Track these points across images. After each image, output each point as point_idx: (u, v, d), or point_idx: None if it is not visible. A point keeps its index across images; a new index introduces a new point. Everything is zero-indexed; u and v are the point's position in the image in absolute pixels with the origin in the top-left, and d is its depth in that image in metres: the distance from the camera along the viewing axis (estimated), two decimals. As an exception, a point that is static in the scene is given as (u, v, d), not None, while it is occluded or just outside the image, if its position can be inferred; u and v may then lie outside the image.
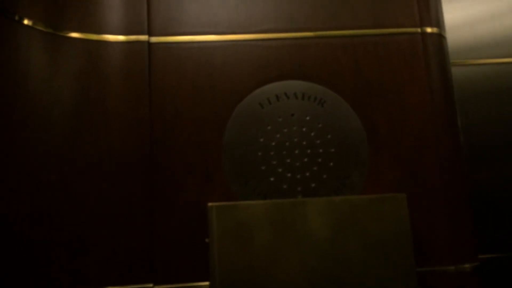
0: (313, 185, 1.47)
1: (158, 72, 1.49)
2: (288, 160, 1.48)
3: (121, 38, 1.47)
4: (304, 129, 1.50)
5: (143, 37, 1.49)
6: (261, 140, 1.48)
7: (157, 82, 1.48)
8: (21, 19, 1.37)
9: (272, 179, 1.46)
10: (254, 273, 1.30)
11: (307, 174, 1.47)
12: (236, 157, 1.46)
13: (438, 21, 1.65)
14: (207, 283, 1.33)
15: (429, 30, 1.61)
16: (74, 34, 1.45)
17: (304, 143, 1.49)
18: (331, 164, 1.49)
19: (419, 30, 1.61)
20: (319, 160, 1.49)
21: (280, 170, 1.47)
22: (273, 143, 1.49)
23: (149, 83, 1.47)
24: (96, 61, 1.44)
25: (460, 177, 1.51)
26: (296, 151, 1.49)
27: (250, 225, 1.33)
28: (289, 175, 1.47)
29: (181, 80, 1.49)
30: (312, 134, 1.50)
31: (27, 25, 1.38)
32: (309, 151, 1.49)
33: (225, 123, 1.48)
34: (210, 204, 1.33)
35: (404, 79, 1.56)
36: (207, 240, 1.32)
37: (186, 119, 1.47)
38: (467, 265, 1.42)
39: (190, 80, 1.50)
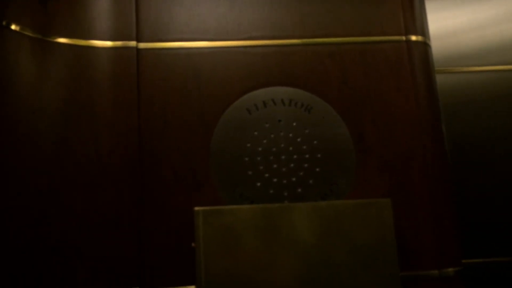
0: (299, 190, 1.48)
1: (146, 78, 1.50)
2: (275, 166, 1.49)
3: (109, 44, 1.48)
4: (291, 135, 1.52)
5: (131, 43, 1.50)
6: (248, 145, 1.50)
7: (145, 88, 1.49)
8: (9, 24, 1.38)
9: (259, 184, 1.47)
10: (240, 277, 1.31)
11: (294, 179, 1.49)
12: (223, 162, 1.48)
13: (423, 30, 1.68)
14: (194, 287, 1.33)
15: (414, 38, 1.64)
16: (62, 40, 1.45)
17: (291, 148, 1.51)
18: (318, 169, 1.50)
19: (404, 38, 1.64)
20: (306, 165, 1.50)
21: (267, 175, 1.48)
22: (260, 149, 1.50)
23: (138, 89, 1.48)
24: (85, 67, 1.45)
25: (445, 184, 1.54)
26: (283, 157, 1.50)
27: (236, 229, 1.34)
28: (275, 180, 1.48)
29: (169, 87, 1.51)
30: (299, 140, 1.52)
31: (15, 31, 1.38)
32: (295, 156, 1.50)
33: (212, 129, 1.49)
34: (196, 208, 1.34)
35: (390, 86, 1.59)
36: (193, 244, 1.33)
37: (174, 125, 1.48)
38: (450, 269, 1.44)
39: (178, 86, 1.51)
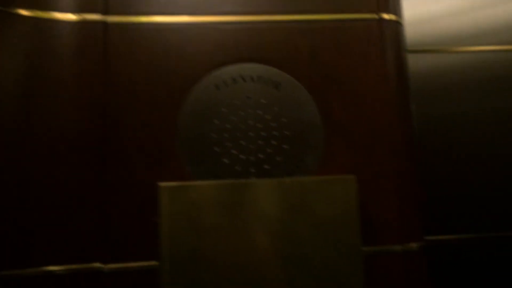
0: (266, 167, 1.48)
1: (113, 52, 1.47)
2: (243, 142, 1.49)
3: (73, 16, 1.45)
4: (259, 112, 1.51)
5: (97, 17, 1.47)
6: (216, 122, 1.49)
7: (112, 63, 1.47)
8: (-33, -6, 1.34)
9: (225, 160, 1.47)
10: (204, 253, 1.32)
11: (261, 156, 1.49)
12: (190, 138, 1.47)
13: (395, 8, 1.67)
14: (156, 262, 1.34)
15: (386, 16, 1.63)
16: (23, 11, 1.42)
17: (259, 126, 1.51)
18: (286, 147, 1.50)
19: (376, 16, 1.63)
20: (274, 142, 1.50)
21: (234, 152, 1.48)
22: (228, 125, 1.49)
23: (104, 63, 1.46)
24: (47, 39, 1.42)
25: (411, 162, 1.55)
26: (251, 134, 1.50)
27: (200, 205, 1.35)
28: (243, 157, 1.48)
29: (136, 61, 1.48)
30: (268, 117, 1.52)
31: (-27, 0, 1.35)
32: (264, 133, 1.50)
33: (180, 105, 1.48)
34: (160, 184, 1.34)
35: (360, 65, 1.58)
36: (156, 219, 1.33)
37: (141, 99, 1.47)
38: (414, 245, 1.47)
39: (145, 60, 1.49)
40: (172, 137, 1.46)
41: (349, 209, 1.39)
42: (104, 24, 1.48)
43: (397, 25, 1.66)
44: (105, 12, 1.48)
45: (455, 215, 1.66)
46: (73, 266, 1.32)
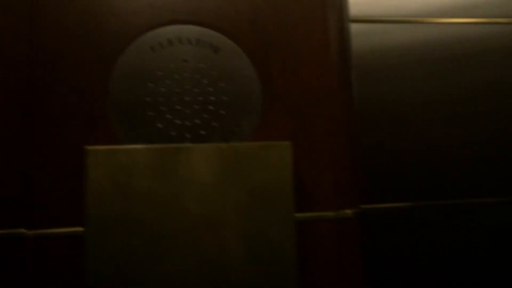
0: (202, 132, 1.45)
1: (40, 8, 1.38)
2: (178, 107, 1.44)
3: (-10, -35, 1.34)
4: (196, 76, 1.47)
5: (20, -32, 1.36)
6: (151, 85, 1.44)
7: (38, 19, 1.38)
8: None
9: (160, 125, 1.43)
10: (133, 218, 1.28)
11: (197, 121, 1.45)
12: (122, 102, 1.41)
13: (340, -26, 1.64)
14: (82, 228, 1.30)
15: (330, -18, 1.60)
16: None
17: (196, 90, 1.46)
18: (223, 112, 1.47)
19: (320, -18, 1.59)
20: (211, 108, 1.47)
21: (169, 116, 1.44)
22: (163, 89, 1.44)
23: (30, 19, 1.36)
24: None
25: (349, 131, 1.55)
26: (187, 98, 1.45)
27: (130, 170, 1.31)
28: (178, 122, 1.44)
29: (65, 17, 1.40)
30: (205, 81, 1.47)
31: None
32: (200, 98, 1.46)
33: (112, 65, 1.41)
34: (87, 147, 1.28)
35: (302, 31, 1.55)
36: (84, 184, 1.28)
37: (69, 58, 1.39)
38: (348, 211, 1.49)
39: (75, 17, 1.41)
40: (104, 100, 1.40)
41: (283, 175, 1.39)
42: (29, -24, 1.37)
43: (341, -8, 1.63)
44: (29, -37, 1.38)
45: (394, 184, 1.69)
46: (-8, 231, 1.26)
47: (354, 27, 1.69)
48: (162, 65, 1.45)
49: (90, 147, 1.28)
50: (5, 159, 1.30)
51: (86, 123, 1.37)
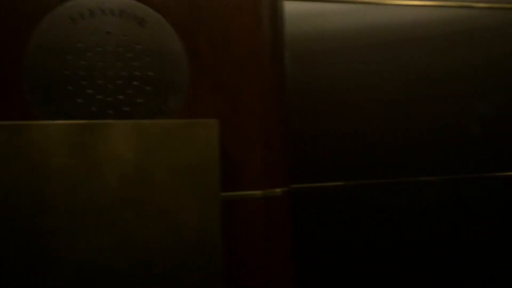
0: (126, 109, 1.40)
1: None
2: (100, 82, 1.38)
3: None
4: (120, 50, 1.40)
5: None
6: (70, 58, 1.36)
7: None
8: None
9: (80, 100, 1.36)
10: (46, 198, 1.23)
11: (121, 97, 1.39)
12: (38, 75, 1.33)
13: None
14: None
15: (264, -45, 1.55)
16: None
17: (120, 64, 1.40)
18: (148, 88, 1.42)
19: (253, -46, 1.54)
20: (135, 83, 1.41)
21: (90, 91, 1.37)
22: (84, 62, 1.37)
23: None
24: None
25: (279, 109, 1.54)
26: (110, 73, 1.39)
27: (45, 147, 1.24)
28: (100, 97, 1.38)
29: (-28, -17, 1.29)
30: (129, 55, 1.41)
31: None
32: (124, 73, 1.40)
33: (27, 36, 1.33)
34: (-6, 122, 1.21)
35: (232, 5, 1.50)
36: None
37: (-22, 29, 1.29)
38: (277, 190, 1.48)
39: (-16, -16, 1.30)
40: (17, 71, 1.31)
41: (210, 153, 1.35)
42: None
43: (276, -34, 1.59)
44: None
45: (326, 164, 1.69)
46: None
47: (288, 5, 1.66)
48: (83, 37, 1.38)
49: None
50: None
51: (0, 98, 1.29)
